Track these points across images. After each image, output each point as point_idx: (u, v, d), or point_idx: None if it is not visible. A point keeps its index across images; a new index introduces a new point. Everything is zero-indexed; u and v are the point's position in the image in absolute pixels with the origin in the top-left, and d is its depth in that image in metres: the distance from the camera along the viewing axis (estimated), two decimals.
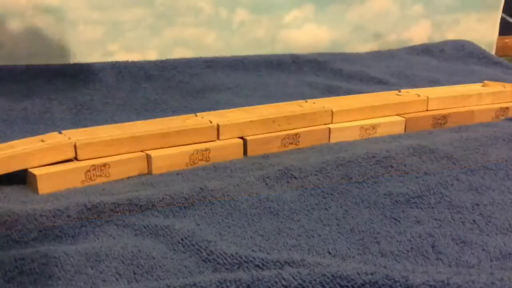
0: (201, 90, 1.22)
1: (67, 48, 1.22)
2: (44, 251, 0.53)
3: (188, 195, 0.67)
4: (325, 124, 0.91)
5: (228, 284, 0.48)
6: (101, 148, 0.75)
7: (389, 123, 0.96)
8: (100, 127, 0.80)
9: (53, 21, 1.20)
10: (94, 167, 0.73)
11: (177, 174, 0.76)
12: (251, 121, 0.85)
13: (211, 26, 1.36)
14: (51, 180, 0.70)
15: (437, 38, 1.66)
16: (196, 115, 0.87)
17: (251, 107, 0.92)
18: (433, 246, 0.58)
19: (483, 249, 0.58)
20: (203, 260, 0.55)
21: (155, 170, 0.77)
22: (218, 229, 0.62)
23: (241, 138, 0.84)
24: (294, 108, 0.91)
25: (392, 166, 0.78)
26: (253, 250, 0.57)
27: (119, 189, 0.70)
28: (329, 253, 0.57)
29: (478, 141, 0.89)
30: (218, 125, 0.83)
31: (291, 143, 0.88)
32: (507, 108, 1.06)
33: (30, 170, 0.70)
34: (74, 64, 1.18)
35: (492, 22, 1.70)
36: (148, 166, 0.77)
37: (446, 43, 1.64)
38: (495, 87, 1.10)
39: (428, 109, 1.01)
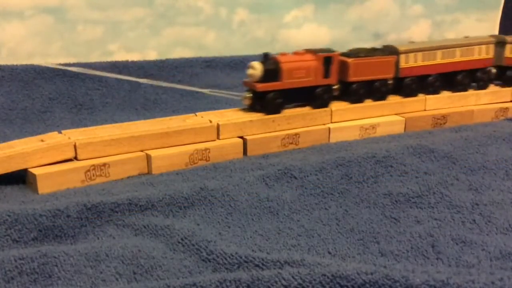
0: None
1: (67, 48, 1.22)
2: (44, 251, 0.53)
3: (188, 195, 0.67)
4: (325, 124, 0.91)
5: (228, 284, 0.48)
6: (101, 148, 0.75)
7: (389, 123, 0.95)
8: (100, 127, 0.80)
9: (53, 21, 1.20)
10: (94, 167, 0.73)
11: (177, 174, 0.76)
12: (251, 120, 0.85)
13: (211, 26, 1.36)
14: (51, 180, 0.70)
15: (437, 37, 1.66)
16: (196, 115, 0.87)
17: None
18: (433, 246, 0.58)
19: (483, 249, 0.58)
20: (203, 260, 0.55)
21: (155, 170, 0.77)
22: (218, 229, 0.62)
23: (241, 137, 0.84)
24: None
25: (392, 166, 0.78)
26: (253, 250, 0.57)
27: (119, 189, 0.70)
28: (329, 253, 0.57)
29: (478, 141, 0.89)
30: (218, 125, 0.83)
31: (291, 143, 0.88)
32: (506, 108, 1.06)
33: (30, 170, 0.70)
34: (74, 64, 1.18)
35: (492, 22, 1.69)
36: (148, 166, 0.77)
37: None
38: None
39: (426, 108, 1.01)
